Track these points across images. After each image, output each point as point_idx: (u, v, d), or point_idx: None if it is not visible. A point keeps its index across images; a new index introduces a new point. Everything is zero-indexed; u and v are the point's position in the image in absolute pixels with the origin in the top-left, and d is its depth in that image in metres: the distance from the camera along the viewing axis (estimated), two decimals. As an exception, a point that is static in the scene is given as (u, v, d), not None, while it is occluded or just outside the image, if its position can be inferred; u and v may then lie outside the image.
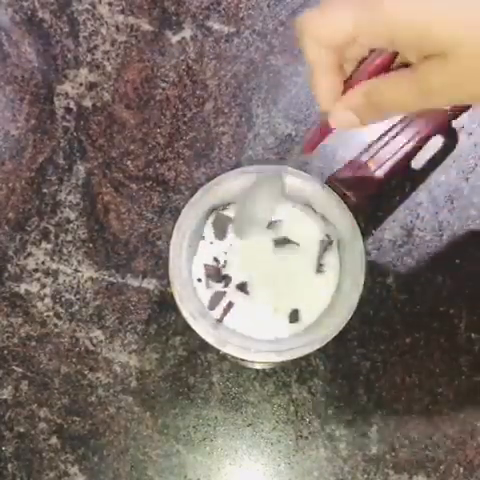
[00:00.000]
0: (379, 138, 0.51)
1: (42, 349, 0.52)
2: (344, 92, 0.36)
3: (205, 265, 0.47)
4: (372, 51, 0.34)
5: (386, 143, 0.51)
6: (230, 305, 0.46)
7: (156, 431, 0.50)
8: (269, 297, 0.47)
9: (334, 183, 0.49)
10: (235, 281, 0.47)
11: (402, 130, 0.51)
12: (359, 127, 0.37)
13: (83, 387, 0.51)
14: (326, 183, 0.48)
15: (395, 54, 0.34)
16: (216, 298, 0.47)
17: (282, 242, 0.48)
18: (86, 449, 0.50)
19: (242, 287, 0.47)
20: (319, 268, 0.47)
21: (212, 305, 0.46)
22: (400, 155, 0.50)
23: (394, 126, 0.51)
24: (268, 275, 0.47)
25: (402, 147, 0.50)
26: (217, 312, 0.46)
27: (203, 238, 0.48)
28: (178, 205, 0.54)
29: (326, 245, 0.48)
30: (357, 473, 0.49)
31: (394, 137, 0.51)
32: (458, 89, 0.32)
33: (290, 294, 0.47)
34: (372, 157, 0.50)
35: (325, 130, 0.39)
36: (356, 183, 0.49)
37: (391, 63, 0.34)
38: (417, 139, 0.51)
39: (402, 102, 0.34)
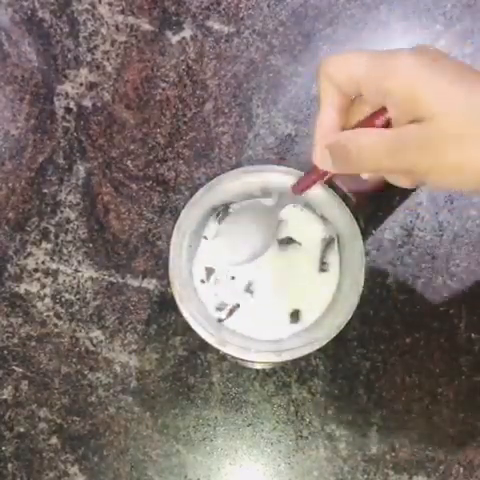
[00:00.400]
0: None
1: (42, 349, 0.52)
2: None
3: (206, 268, 0.47)
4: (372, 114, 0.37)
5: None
6: (236, 306, 0.47)
7: (156, 431, 0.50)
8: (272, 297, 0.47)
9: (334, 183, 0.49)
10: (240, 282, 0.47)
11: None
12: (331, 170, 0.39)
13: (83, 387, 0.51)
14: (326, 183, 0.48)
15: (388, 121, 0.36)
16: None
17: (285, 242, 0.48)
18: (86, 449, 0.50)
19: (247, 288, 0.47)
20: (322, 267, 0.47)
21: (221, 306, 0.47)
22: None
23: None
24: (272, 275, 0.48)
25: None
26: (222, 313, 0.46)
27: (205, 238, 0.48)
28: (178, 205, 0.54)
29: (328, 243, 0.48)
30: (357, 473, 0.49)
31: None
32: (421, 152, 0.34)
33: (292, 294, 0.47)
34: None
35: (317, 174, 0.41)
36: (356, 183, 0.49)
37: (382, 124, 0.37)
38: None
39: (373, 155, 0.36)
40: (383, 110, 0.36)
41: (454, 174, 0.35)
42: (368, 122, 0.37)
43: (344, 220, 0.46)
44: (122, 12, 0.58)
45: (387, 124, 0.36)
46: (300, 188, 0.43)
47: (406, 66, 0.34)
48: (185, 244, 0.46)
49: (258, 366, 0.51)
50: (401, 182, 0.38)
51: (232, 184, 0.47)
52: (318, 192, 0.47)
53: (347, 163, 0.37)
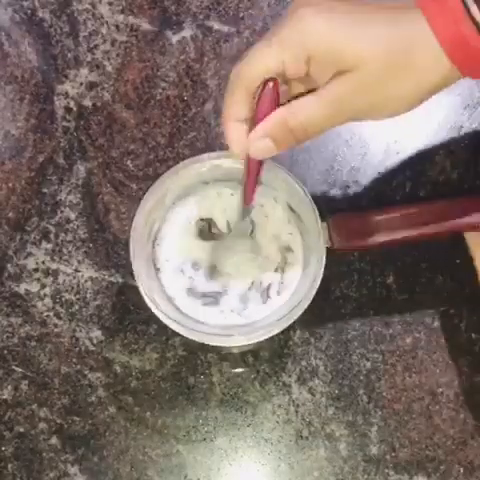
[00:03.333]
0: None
1: (42, 349, 0.52)
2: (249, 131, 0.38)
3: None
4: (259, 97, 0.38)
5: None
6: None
7: (156, 431, 0.50)
8: (239, 281, 0.48)
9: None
10: (204, 266, 0.48)
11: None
12: (275, 153, 0.39)
13: (83, 387, 0.51)
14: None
15: (277, 91, 0.37)
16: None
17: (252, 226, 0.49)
18: (86, 449, 0.50)
19: (212, 273, 0.48)
20: (286, 250, 0.48)
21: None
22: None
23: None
24: (236, 260, 0.48)
25: None
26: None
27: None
28: (178, 205, 0.54)
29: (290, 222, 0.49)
30: (357, 473, 0.49)
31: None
32: (362, 98, 0.36)
33: (260, 277, 0.48)
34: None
35: (252, 173, 0.41)
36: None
37: (278, 98, 0.37)
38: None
39: (315, 120, 0.37)
40: (266, 85, 0.37)
41: (389, 110, 0.37)
42: (264, 103, 0.37)
43: (304, 205, 0.47)
44: (122, 12, 0.58)
45: (277, 93, 0.37)
46: (249, 196, 0.43)
47: (313, 25, 0.35)
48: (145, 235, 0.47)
49: (235, 350, 0.51)
50: None
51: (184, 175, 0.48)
52: (281, 179, 0.47)
53: (293, 140, 0.38)
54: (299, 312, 0.44)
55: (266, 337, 0.44)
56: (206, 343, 0.45)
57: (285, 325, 0.44)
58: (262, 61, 0.36)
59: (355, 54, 0.35)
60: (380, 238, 0.49)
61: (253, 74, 0.37)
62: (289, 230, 0.49)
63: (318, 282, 0.45)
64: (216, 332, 0.45)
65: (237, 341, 0.45)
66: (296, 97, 0.37)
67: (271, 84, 0.37)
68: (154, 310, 0.45)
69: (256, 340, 0.45)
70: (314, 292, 0.45)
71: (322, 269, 0.45)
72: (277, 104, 0.37)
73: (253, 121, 0.38)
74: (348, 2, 0.36)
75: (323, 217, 0.47)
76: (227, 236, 0.49)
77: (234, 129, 0.39)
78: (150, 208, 0.47)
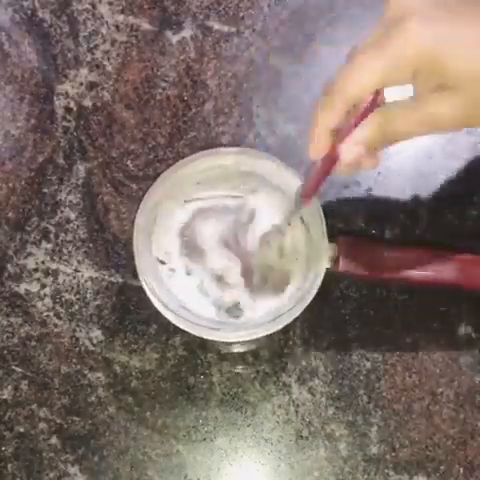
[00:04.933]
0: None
1: (42, 349, 0.52)
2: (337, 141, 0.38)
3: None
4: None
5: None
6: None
7: (156, 431, 0.50)
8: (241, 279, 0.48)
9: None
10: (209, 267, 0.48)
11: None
12: (363, 157, 0.39)
13: (83, 387, 0.51)
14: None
15: (376, 100, 0.37)
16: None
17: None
18: (86, 449, 0.50)
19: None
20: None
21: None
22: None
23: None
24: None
25: None
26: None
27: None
28: (178, 205, 0.54)
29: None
30: (357, 473, 0.49)
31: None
32: (458, 117, 0.36)
33: (262, 273, 0.48)
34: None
35: (321, 176, 0.41)
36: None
37: (372, 110, 0.37)
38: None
39: (409, 132, 0.37)
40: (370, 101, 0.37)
41: None
42: (363, 116, 0.37)
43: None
44: (122, 12, 0.58)
45: (376, 105, 0.37)
46: (312, 192, 0.43)
47: (417, 37, 0.34)
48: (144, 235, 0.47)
49: (236, 349, 0.51)
50: None
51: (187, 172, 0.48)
52: (277, 170, 0.47)
53: (381, 145, 0.38)
54: (292, 316, 0.45)
55: (253, 337, 0.45)
56: (197, 335, 0.45)
57: (277, 327, 0.45)
58: (369, 78, 0.36)
59: (457, 73, 0.34)
60: (387, 275, 0.48)
61: (358, 90, 0.36)
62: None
63: (318, 283, 0.45)
64: (207, 325, 0.45)
65: (225, 337, 0.45)
66: None
67: (372, 97, 0.37)
68: (149, 293, 0.45)
69: (246, 338, 0.45)
70: (313, 294, 0.45)
71: (322, 274, 0.45)
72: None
73: (345, 130, 0.38)
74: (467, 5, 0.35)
75: (333, 237, 0.47)
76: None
77: (321, 134, 0.38)
78: (153, 203, 0.47)
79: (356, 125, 0.38)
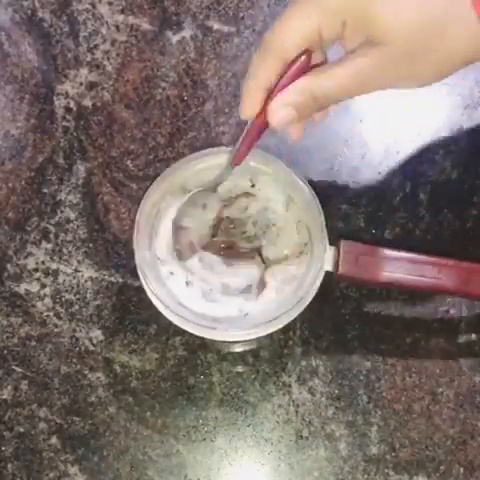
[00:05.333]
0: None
1: (42, 349, 0.52)
2: (268, 98, 0.38)
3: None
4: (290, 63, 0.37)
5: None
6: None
7: (156, 431, 0.50)
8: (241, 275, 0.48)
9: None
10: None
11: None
12: (295, 122, 0.39)
13: (83, 387, 0.51)
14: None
15: (308, 64, 0.37)
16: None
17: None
18: (86, 449, 0.50)
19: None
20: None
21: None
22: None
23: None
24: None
25: None
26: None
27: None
28: (178, 205, 0.54)
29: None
30: (357, 473, 0.49)
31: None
32: (387, 73, 0.36)
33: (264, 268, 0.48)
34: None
35: (253, 137, 0.41)
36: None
37: (306, 68, 0.37)
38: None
39: (339, 91, 0.36)
40: (300, 56, 0.36)
41: (418, 81, 0.37)
42: (294, 75, 0.37)
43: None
44: (122, 12, 0.58)
45: (308, 65, 0.37)
46: (240, 157, 0.42)
47: None
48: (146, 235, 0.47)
49: (238, 348, 0.51)
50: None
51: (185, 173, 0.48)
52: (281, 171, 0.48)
53: (315, 109, 0.38)
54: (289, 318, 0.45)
55: (253, 337, 0.45)
56: (197, 335, 0.45)
57: (275, 328, 0.45)
58: (297, 26, 0.35)
59: (384, 27, 0.34)
60: (387, 280, 0.48)
61: (288, 41, 0.36)
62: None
63: (318, 284, 0.45)
64: (207, 325, 0.45)
65: (225, 337, 0.45)
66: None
67: (303, 57, 0.36)
68: (144, 283, 0.45)
69: (246, 338, 0.45)
70: (311, 296, 0.45)
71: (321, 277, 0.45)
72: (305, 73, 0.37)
73: (275, 90, 0.37)
74: None
75: (334, 241, 0.47)
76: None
77: (254, 92, 0.38)
78: (154, 201, 0.47)
79: (285, 85, 0.37)
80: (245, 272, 0.48)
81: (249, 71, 0.38)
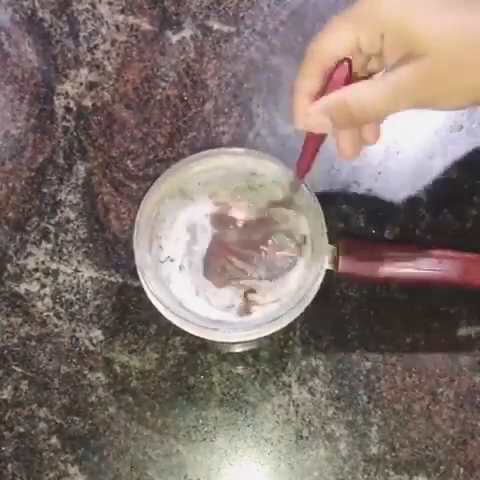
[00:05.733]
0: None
1: (42, 349, 0.52)
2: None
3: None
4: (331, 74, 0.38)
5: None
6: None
7: (156, 431, 0.50)
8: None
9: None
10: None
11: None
12: (330, 130, 0.39)
13: (83, 387, 0.51)
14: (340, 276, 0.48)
15: (350, 71, 0.37)
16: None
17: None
18: (86, 449, 0.50)
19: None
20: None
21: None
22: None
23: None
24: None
25: None
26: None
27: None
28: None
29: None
30: (357, 473, 0.49)
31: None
32: (426, 88, 0.35)
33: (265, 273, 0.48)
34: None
35: (310, 147, 0.41)
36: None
37: (350, 78, 0.37)
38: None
39: (375, 106, 0.36)
40: (340, 64, 0.37)
41: (455, 101, 0.36)
42: (335, 81, 0.37)
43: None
44: (122, 12, 0.58)
45: (350, 73, 0.37)
46: (303, 169, 0.43)
47: (390, 1, 0.34)
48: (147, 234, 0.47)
49: (238, 349, 0.51)
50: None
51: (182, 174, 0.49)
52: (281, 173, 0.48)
53: (350, 121, 0.37)
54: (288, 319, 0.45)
55: (253, 338, 0.45)
56: (197, 336, 0.45)
57: (274, 329, 0.45)
58: (337, 37, 0.36)
59: (427, 41, 0.34)
60: (388, 277, 0.48)
61: (328, 50, 0.37)
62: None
63: (318, 284, 0.45)
64: (207, 325, 0.45)
65: (225, 337, 0.45)
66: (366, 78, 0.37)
67: (345, 63, 0.37)
68: (143, 282, 0.45)
69: (246, 339, 0.45)
70: (312, 297, 0.45)
71: (322, 276, 0.45)
72: (348, 84, 0.37)
73: (319, 97, 0.38)
74: None
75: (334, 240, 0.47)
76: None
77: (301, 101, 0.38)
78: (154, 201, 0.48)
79: (327, 94, 0.37)
80: (226, 295, 0.48)
81: (295, 82, 0.38)
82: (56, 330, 0.52)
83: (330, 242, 0.47)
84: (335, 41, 0.36)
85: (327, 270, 0.46)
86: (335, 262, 0.47)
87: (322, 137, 0.40)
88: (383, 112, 0.37)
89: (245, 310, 0.47)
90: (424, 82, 0.35)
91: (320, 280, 0.45)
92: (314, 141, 0.41)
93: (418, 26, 0.34)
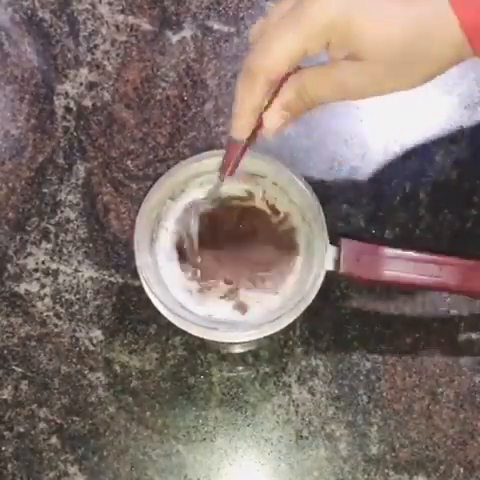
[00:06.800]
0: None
1: (42, 349, 0.52)
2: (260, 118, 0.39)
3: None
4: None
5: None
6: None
7: (156, 431, 0.50)
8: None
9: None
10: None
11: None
12: (290, 124, 0.40)
13: (83, 387, 0.51)
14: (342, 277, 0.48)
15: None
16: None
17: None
18: (86, 449, 0.50)
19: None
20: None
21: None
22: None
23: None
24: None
25: None
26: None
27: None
28: (178, 205, 0.54)
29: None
30: (357, 473, 0.49)
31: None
32: (371, 85, 0.36)
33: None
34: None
35: (240, 153, 0.42)
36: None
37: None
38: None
39: (323, 95, 0.37)
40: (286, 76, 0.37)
41: (398, 89, 0.37)
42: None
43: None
44: (122, 12, 0.58)
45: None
46: (230, 169, 0.43)
47: (330, 6, 0.34)
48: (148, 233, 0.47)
49: (238, 349, 0.51)
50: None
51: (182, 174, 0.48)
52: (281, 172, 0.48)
53: (304, 109, 0.38)
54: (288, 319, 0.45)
55: (253, 338, 0.45)
56: (197, 336, 0.45)
57: (276, 329, 0.45)
58: (284, 53, 0.36)
59: (370, 45, 0.34)
60: (389, 279, 0.47)
61: (276, 68, 0.36)
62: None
63: (319, 285, 0.45)
64: (206, 325, 0.45)
65: (225, 338, 0.45)
66: None
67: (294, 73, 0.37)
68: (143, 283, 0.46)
69: (246, 339, 0.45)
70: (313, 296, 0.45)
71: (323, 275, 0.45)
72: None
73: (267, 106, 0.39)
74: None
75: (334, 240, 0.47)
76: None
77: (244, 116, 0.39)
78: (155, 202, 0.48)
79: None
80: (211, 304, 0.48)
81: (236, 96, 0.38)
82: (56, 330, 0.52)
83: (331, 242, 0.47)
84: (280, 56, 0.36)
85: (328, 271, 0.46)
86: (336, 263, 0.47)
87: (253, 141, 0.41)
88: (330, 101, 0.38)
89: (241, 306, 0.47)
90: (367, 81, 0.36)
91: (320, 281, 0.45)
92: (245, 147, 0.41)
93: (361, 30, 0.34)
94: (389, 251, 0.47)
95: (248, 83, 0.37)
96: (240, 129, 0.39)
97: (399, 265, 0.47)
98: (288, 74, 0.37)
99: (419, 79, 0.36)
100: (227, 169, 0.43)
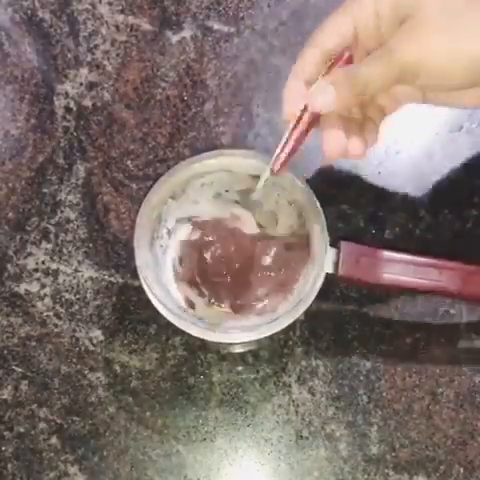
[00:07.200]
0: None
1: (42, 349, 0.52)
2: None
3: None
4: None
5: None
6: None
7: (156, 431, 0.50)
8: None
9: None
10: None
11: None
12: (333, 108, 0.38)
13: (83, 387, 0.51)
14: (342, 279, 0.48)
15: (350, 62, 0.39)
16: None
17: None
18: (86, 449, 0.50)
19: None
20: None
21: None
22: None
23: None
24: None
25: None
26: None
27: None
28: (178, 205, 0.54)
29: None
30: (357, 473, 0.49)
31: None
32: (413, 44, 0.36)
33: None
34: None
35: (294, 140, 0.41)
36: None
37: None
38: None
39: (375, 77, 0.37)
40: (341, 54, 0.39)
41: (442, 69, 0.36)
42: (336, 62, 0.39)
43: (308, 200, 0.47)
44: (122, 12, 0.58)
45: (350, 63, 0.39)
46: (281, 164, 0.41)
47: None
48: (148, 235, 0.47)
49: (238, 349, 0.51)
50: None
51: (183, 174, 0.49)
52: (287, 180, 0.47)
53: (355, 94, 0.38)
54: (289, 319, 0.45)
55: (253, 339, 0.45)
56: (197, 336, 0.45)
57: (275, 330, 0.45)
58: (337, 24, 0.38)
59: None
60: (388, 282, 0.47)
61: (327, 39, 0.38)
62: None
63: (318, 286, 0.45)
64: (206, 325, 0.45)
65: (225, 338, 0.45)
66: None
67: (346, 54, 0.39)
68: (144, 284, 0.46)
69: (246, 340, 0.45)
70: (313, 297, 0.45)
71: (323, 275, 0.46)
72: None
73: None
74: None
75: (334, 242, 0.47)
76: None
77: (295, 87, 0.39)
78: (156, 201, 0.48)
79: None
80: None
81: (294, 67, 0.40)
82: (56, 330, 0.52)
83: (331, 244, 0.47)
84: (333, 26, 0.38)
85: (327, 273, 0.46)
86: (335, 266, 0.47)
87: (307, 131, 0.40)
88: (386, 84, 0.37)
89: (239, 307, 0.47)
90: (409, 34, 0.36)
91: (320, 282, 0.45)
92: (301, 132, 0.40)
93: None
94: (388, 254, 0.47)
95: (305, 55, 0.39)
96: (288, 100, 0.39)
97: (398, 268, 0.47)
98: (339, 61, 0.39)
99: (462, 61, 0.36)
100: (279, 161, 0.41)
